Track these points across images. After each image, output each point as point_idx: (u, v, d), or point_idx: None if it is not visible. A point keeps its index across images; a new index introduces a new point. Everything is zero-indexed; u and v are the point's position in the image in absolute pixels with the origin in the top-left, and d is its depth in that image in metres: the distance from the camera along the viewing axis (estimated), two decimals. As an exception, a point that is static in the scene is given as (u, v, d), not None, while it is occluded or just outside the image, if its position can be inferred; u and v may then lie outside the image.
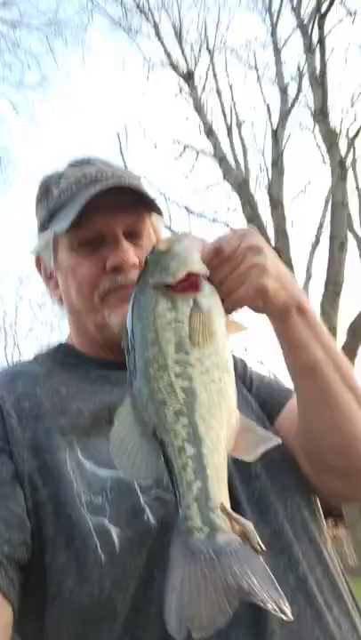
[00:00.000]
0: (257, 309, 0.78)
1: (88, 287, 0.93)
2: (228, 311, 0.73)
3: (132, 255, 0.92)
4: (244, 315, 0.80)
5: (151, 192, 0.98)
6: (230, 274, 0.74)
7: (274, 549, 0.77)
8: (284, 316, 0.80)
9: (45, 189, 1.01)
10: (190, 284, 0.69)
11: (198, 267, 0.71)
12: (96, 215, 0.90)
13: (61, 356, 0.99)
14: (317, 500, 0.94)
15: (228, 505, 0.59)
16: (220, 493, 0.59)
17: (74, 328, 1.02)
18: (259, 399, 1.00)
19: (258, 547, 0.56)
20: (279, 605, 0.54)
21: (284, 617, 0.53)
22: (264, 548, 0.57)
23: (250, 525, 0.57)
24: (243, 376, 1.05)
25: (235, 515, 0.58)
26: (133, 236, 0.95)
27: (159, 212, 0.99)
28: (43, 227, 1.01)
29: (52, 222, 0.98)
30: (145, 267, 0.73)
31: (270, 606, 0.53)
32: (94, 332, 0.95)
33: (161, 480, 0.74)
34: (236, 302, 0.74)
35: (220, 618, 0.54)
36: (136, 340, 0.67)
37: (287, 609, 0.54)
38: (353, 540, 7.48)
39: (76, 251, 0.94)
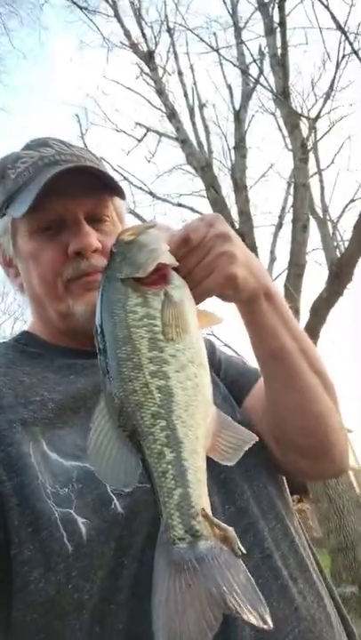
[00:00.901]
0: (226, 298, 0.78)
1: (51, 274, 0.90)
2: (198, 301, 0.71)
3: (94, 240, 0.90)
4: (211, 303, 0.81)
5: (113, 174, 0.94)
6: (199, 263, 0.72)
7: (240, 527, 0.78)
8: (252, 303, 0.80)
9: (1, 173, 0.96)
10: (160, 276, 0.67)
11: (167, 258, 0.69)
12: (56, 198, 0.88)
13: (23, 346, 0.96)
14: (283, 479, 0.96)
15: (208, 509, 0.59)
16: (201, 498, 0.58)
17: (36, 316, 0.99)
18: (227, 381, 1.02)
19: (238, 551, 0.57)
20: (262, 616, 0.54)
21: (265, 627, 0.54)
22: (244, 551, 0.57)
23: (231, 531, 0.57)
24: (211, 358, 1.03)
25: (216, 520, 0.58)
26: (96, 220, 0.93)
27: (122, 196, 0.96)
28: (0, 212, 0.96)
29: (9, 207, 0.93)
30: (111, 260, 0.70)
31: (253, 620, 0.54)
32: (58, 321, 0.93)
33: None
34: (206, 291, 0.73)
35: (207, 631, 0.53)
36: (107, 339, 0.65)
37: (268, 618, 0.54)
38: (317, 514, 7.74)
39: (36, 236, 0.91)
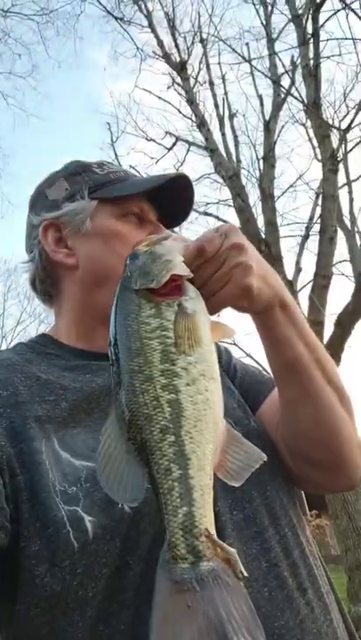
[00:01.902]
0: (241, 309, 0.77)
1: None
2: (212, 312, 0.71)
3: None
4: (226, 314, 0.82)
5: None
6: (214, 274, 0.72)
7: (246, 535, 0.78)
8: (267, 314, 0.80)
9: (82, 168, 1.05)
10: (174, 287, 0.67)
11: (181, 269, 0.68)
12: (140, 199, 0.99)
13: (41, 347, 0.97)
14: (295, 489, 0.95)
15: (212, 529, 0.58)
16: (206, 517, 0.58)
17: (80, 301, 0.99)
18: (242, 388, 1.01)
19: (240, 574, 0.56)
20: None
21: None
22: (246, 574, 0.57)
23: (234, 554, 0.57)
24: (227, 366, 1.06)
25: (219, 541, 0.57)
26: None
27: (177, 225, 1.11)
28: (75, 197, 1.00)
29: (96, 193, 0.99)
30: (125, 270, 0.70)
31: None
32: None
33: None
34: (221, 303, 0.73)
35: None
36: (120, 350, 0.65)
37: None
38: (336, 531, 7.60)
39: (122, 220, 0.99)
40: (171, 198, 1.01)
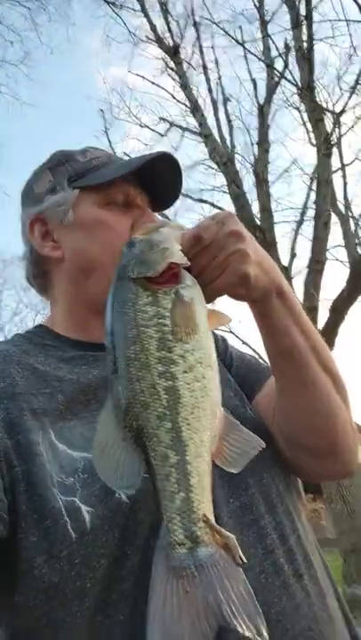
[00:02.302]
0: (238, 297, 0.77)
1: (119, 240, 0.89)
2: (209, 300, 0.71)
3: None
4: (223, 302, 0.81)
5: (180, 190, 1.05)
6: (211, 262, 0.72)
7: (243, 523, 0.79)
8: (264, 301, 0.80)
9: (66, 157, 1.02)
10: (171, 275, 0.67)
11: (178, 257, 0.68)
12: (125, 184, 0.96)
13: (38, 338, 0.97)
14: (292, 476, 0.95)
15: (211, 515, 0.58)
16: (203, 504, 0.58)
17: (71, 294, 0.99)
18: (238, 377, 1.01)
19: (239, 560, 0.56)
20: (257, 629, 0.54)
21: None
22: (245, 560, 0.57)
23: (233, 539, 0.57)
24: (223, 354, 1.06)
25: (217, 527, 0.57)
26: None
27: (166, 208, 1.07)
28: (57, 189, 0.99)
29: (77, 182, 0.98)
30: (122, 258, 0.70)
31: (248, 633, 0.53)
32: (103, 288, 0.95)
33: None
34: (218, 291, 0.73)
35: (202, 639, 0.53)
36: (116, 338, 0.65)
37: (265, 630, 0.54)
38: (331, 515, 7.69)
39: (106, 208, 0.96)
40: (158, 179, 0.99)
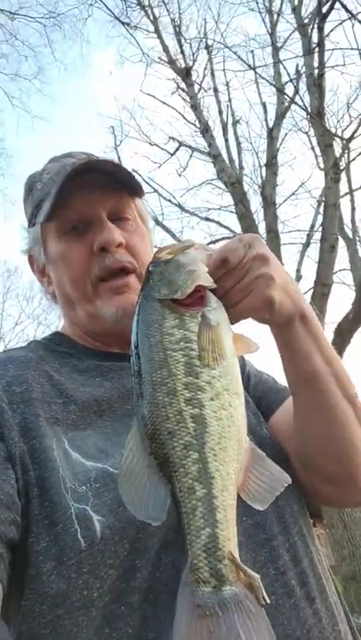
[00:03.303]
0: (262, 320, 0.77)
1: (80, 273, 0.93)
2: (232, 323, 0.70)
3: (117, 234, 0.93)
4: (245, 325, 0.80)
5: (128, 169, 0.97)
6: (236, 284, 0.71)
7: (255, 542, 0.78)
8: (287, 326, 0.79)
9: (30, 187, 1.03)
10: (197, 297, 0.66)
11: (205, 279, 0.67)
12: (77, 199, 0.93)
13: (55, 345, 0.99)
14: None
15: (236, 552, 0.57)
16: (229, 540, 0.56)
17: (67, 318, 1.03)
18: (255, 396, 1.01)
19: (263, 600, 0.55)
20: None
21: None
22: (268, 600, 0.56)
23: (257, 579, 0.55)
24: (240, 371, 1.05)
25: (242, 566, 0.56)
26: (118, 218, 0.97)
27: (139, 192, 1.00)
28: (30, 222, 1.03)
29: (37, 215, 0.98)
30: (147, 278, 0.69)
31: None
32: (87, 322, 0.96)
33: None
34: (241, 314, 0.72)
35: None
36: (142, 361, 0.63)
37: None
38: (331, 540, 7.58)
39: (64, 237, 0.95)
40: (97, 174, 0.94)
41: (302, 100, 8.04)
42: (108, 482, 0.74)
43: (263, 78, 8.58)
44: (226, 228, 9.96)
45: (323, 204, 8.25)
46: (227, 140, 8.98)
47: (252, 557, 0.62)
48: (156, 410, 0.60)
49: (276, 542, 0.80)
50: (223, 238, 9.76)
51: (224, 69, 9.20)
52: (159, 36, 9.27)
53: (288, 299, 0.76)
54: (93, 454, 0.78)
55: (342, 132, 8.57)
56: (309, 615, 0.75)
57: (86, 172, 0.92)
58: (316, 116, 7.50)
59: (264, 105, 8.93)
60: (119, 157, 10.15)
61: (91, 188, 0.93)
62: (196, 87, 9.07)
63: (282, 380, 1.06)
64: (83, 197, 0.93)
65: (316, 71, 7.58)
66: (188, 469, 0.58)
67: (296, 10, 8.26)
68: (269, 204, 8.33)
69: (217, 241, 10.06)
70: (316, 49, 7.39)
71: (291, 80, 8.45)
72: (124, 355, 0.96)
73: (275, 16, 8.93)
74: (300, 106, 8.09)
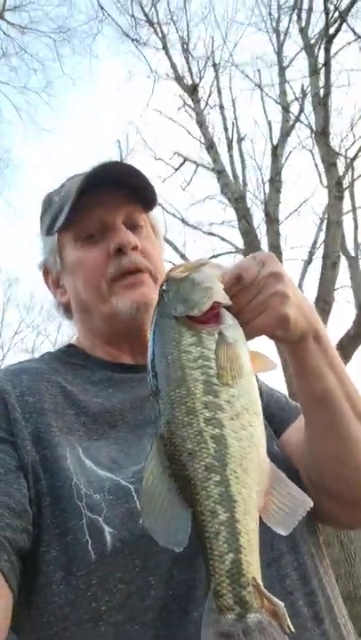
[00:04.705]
0: (276, 338, 0.77)
1: (95, 275, 0.95)
2: (246, 340, 0.69)
3: (133, 237, 0.96)
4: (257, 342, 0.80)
5: (144, 175, 0.99)
6: (250, 302, 0.71)
7: (263, 560, 0.76)
8: (301, 344, 0.79)
9: (48, 201, 1.06)
10: (212, 315, 0.65)
11: (222, 297, 0.67)
12: (94, 207, 0.95)
13: (67, 357, 0.99)
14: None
15: (259, 577, 0.55)
16: (252, 566, 0.55)
17: (82, 328, 1.03)
18: (266, 413, 0.98)
19: (287, 629, 0.54)
20: None
21: None
22: (293, 629, 0.55)
23: (282, 607, 0.54)
24: None
25: (266, 593, 0.55)
26: (132, 226, 0.99)
27: (153, 203, 1.02)
28: (47, 234, 1.04)
29: (54, 226, 1.00)
30: (162, 295, 0.69)
31: None
32: (103, 325, 0.97)
33: None
34: (256, 331, 0.72)
35: None
36: (160, 379, 0.62)
37: None
38: (328, 559, 7.50)
39: (81, 244, 0.97)
40: (119, 176, 0.97)
41: (307, 119, 8.13)
42: (120, 495, 0.74)
43: (269, 97, 8.70)
44: (228, 242, 10.02)
45: (325, 221, 8.30)
46: (231, 157, 9.06)
47: None
48: (176, 430, 0.59)
49: (283, 561, 0.79)
50: (226, 253, 9.81)
51: (230, 87, 9.34)
52: (167, 53, 9.39)
53: (302, 316, 0.76)
54: (107, 464, 0.78)
55: (346, 151, 8.67)
56: (317, 636, 0.74)
57: (104, 179, 0.95)
58: (321, 134, 7.57)
59: (269, 123, 9.04)
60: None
61: (107, 197, 0.96)
62: (203, 104, 9.18)
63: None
64: (100, 205, 0.96)
65: (321, 91, 7.67)
66: (210, 492, 0.56)
67: (303, 30, 8.39)
68: (272, 220, 8.37)
69: (220, 255, 10.12)
70: (323, 69, 7.49)
71: (296, 99, 8.56)
72: (136, 366, 0.99)
73: (282, 36, 9.08)
74: (305, 124, 8.17)
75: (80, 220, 0.95)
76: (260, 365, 0.68)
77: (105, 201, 0.96)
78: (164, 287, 0.70)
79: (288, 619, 0.54)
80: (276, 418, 1.00)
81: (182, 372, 0.61)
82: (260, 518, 0.59)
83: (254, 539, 0.57)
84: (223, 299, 0.68)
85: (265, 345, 0.83)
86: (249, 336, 0.71)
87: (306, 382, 0.83)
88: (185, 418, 0.59)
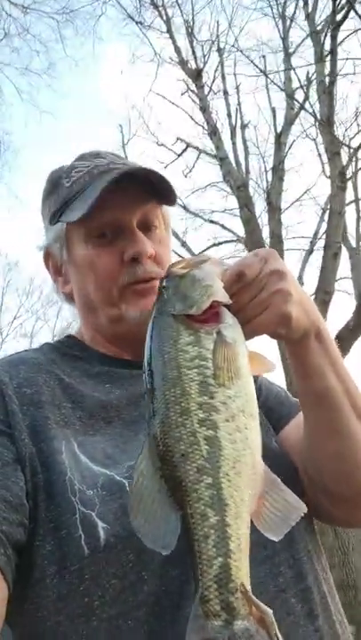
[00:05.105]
0: (278, 336, 0.76)
1: (108, 280, 0.93)
2: (247, 339, 0.68)
3: (149, 246, 0.93)
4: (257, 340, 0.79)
5: (167, 179, 0.95)
6: (252, 300, 0.70)
7: (257, 558, 0.76)
8: (302, 342, 0.78)
9: (55, 182, 1.01)
10: (212, 314, 0.64)
11: (222, 295, 0.66)
12: (111, 205, 0.90)
13: (66, 348, 0.99)
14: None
15: (248, 583, 0.54)
16: (242, 571, 0.54)
17: (85, 323, 1.02)
18: (265, 408, 0.99)
19: (275, 637, 0.53)
20: None
21: None
22: (281, 638, 0.54)
23: (270, 615, 0.53)
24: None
25: (255, 599, 0.54)
26: (146, 227, 0.96)
27: (173, 202, 0.98)
28: (53, 219, 1.00)
29: (64, 214, 0.97)
30: (162, 293, 0.67)
31: None
32: (108, 326, 0.95)
33: None
34: (257, 330, 0.71)
35: None
36: (156, 378, 0.61)
37: None
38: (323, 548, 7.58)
39: (92, 242, 0.94)
40: (133, 180, 0.92)
41: (312, 107, 8.03)
42: (114, 490, 0.74)
43: (274, 83, 8.58)
44: (229, 231, 9.97)
45: (327, 211, 8.24)
46: (234, 144, 8.96)
47: (252, 574, 0.61)
48: (169, 430, 0.58)
49: (277, 559, 0.78)
50: (227, 241, 9.76)
51: (235, 73, 9.20)
52: (171, 37, 9.24)
53: (304, 314, 0.75)
54: (101, 460, 0.77)
55: (350, 140, 8.58)
56: (310, 633, 0.75)
57: (123, 180, 0.90)
58: (326, 123, 7.49)
59: (273, 110, 8.92)
60: (126, 156, 10.14)
61: (124, 195, 0.92)
62: (206, 89, 9.05)
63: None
64: (115, 204, 0.92)
65: (327, 79, 7.57)
66: (201, 494, 0.55)
67: (310, 16, 8.24)
68: (274, 208, 8.31)
69: (221, 244, 10.08)
70: (329, 57, 7.38)
71: (301, 86, 8.45)
72: (136, 362, 0.96)
73: (288, 22, 8.93)
74: (309, 112, 8.08)
75: (93, 217, 0.90)
76: (258, 366, 0.67)
77: (120, 199, 0.92)
78: (164, 283, 0.69)
79: (276, 627, 0.54)
80: (275, 413, 0.99)
81: (178, 371, 0.60)
82: (252, 522, 0.58)
83: (245, 543, 0.56)
84: (223, 297, 0.66)
85: (264, 344, 0.82)
86: (250, 334, 0.70)
87: (307, 381, 0.83)
88: (179, 418, 0.58)
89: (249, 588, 0.55)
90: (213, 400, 0.59)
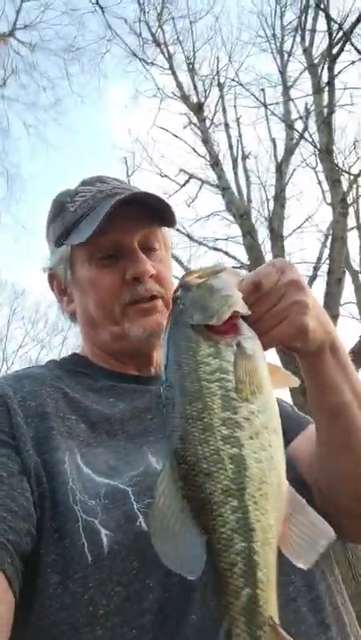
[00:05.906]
0: (293, 348, 0.73)
1: (109, 298, 0.94)
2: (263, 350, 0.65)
3: (150, 266, 0.95)
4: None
5: (168, 203, 0.97)
6: (269, 310, 0.68)
7: None
8: (318, 355, 0.76)
9: (60, 207, 1.03)
10: (231, 325, 0.61)
11: (241, 306, 0.63)
12: (113, 228, 0.93)
13: (71, 365, 0.99)
14: None
15: (276, 616, 0.50)
16: (270, 603, 0.50)
17: (87, 340, 1.03)
18: None
19: None
20: None
21: None
22: None
23: None
24: None
25: (283, 633, 0.50)
26: (147, 248, 0.98)
27: (173, 223, 1.00)
28: (58, 242, 1.02)
29: (69, 237, 0.99)
30: (177, 303, 0.64)
31: None
32: (111, 342, 0.96)
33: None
34: (273, 341, 0.69)
35: None
36: (175, 392, 0.57)
37: None
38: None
39: (95, 263, 0.96)
40: (134, 203, 0.95)
41: (311, 137, 8.19)
42: (118, 498, 0.73)
43: (274, 114, 8.77)
44: (233, 257, 10.03)
45: (330, 237, 8.30)
46: (236, 174, 9.12)
47: None
48: (191, 447, 0.54)
49: (287, 568, 0.75)
50: (232, 267, 9.79)
51: (235, 105, 9.43)
52: (173, 73, 9.53)
53: (320, 327, 0.74)
54: (104, 471, 0.77)
55: (349, 168, 8.71)
56: None
57: (127, 203, 0.93)
58: (325, 152, 7.62)
59: (273, 141, 9.11)
60: (130, 187, 10.27)
61: (125, 218, 0.94)
62: (208, 122, 9.28)
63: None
64: (117, 227, 0.94)
65: (325, 109, 7.74)
66: (227, 518, 0.51)
67: (307, 50, 8.50)
68: (276, 236, 8.38)
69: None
70: (326, 88, 7.56)
71: (300, 117, 8.63)
72: (139, 377, 0.98)
73: (286, 56, 9.19)
74: (309, 142, 8.22)
75: (96, 239, 0.93)
76: (281, 380, 0.64)
77: (122, 222, 0.94)
78: (178, 293, 0.66)
79: None
80: (284, 425, 0.97)
81: (199, 384, 0.57)
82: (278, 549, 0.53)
83: (272, 572, 0.52)
84: (242, 308, 0.64)
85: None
86: (266, 346, 0.67)
87: (321, 395, 0.80)
88: (201, 435, 0.54)
89: (277, 620, 0.51)
90: (237, 415, 0.55)
